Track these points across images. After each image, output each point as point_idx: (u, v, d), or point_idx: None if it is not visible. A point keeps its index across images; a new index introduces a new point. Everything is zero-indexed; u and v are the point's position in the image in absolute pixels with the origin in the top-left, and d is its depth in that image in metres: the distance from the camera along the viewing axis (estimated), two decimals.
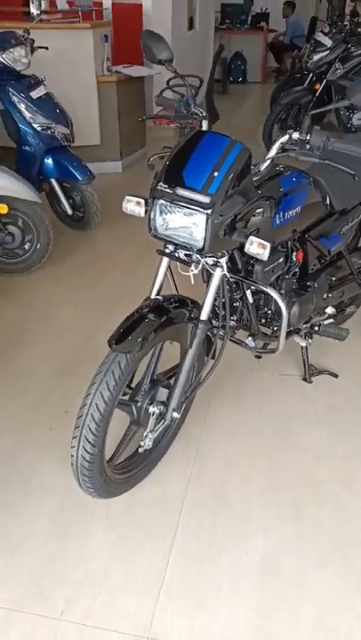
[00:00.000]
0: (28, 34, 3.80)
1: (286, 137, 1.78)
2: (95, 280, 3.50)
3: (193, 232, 1.64)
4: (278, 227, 1.91)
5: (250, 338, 2.16)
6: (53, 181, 3.82)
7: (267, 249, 1.67)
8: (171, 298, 1.89)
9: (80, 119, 5.05)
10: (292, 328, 2.29)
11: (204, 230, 1.62)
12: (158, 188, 1.65)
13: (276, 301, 2.00)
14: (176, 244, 1.71)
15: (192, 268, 1.82)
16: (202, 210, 1.60)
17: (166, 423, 1.90)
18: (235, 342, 2.20)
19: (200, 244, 1.64)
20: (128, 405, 1.86)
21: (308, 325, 2.39)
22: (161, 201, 1.65)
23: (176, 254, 1.79)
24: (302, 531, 1.88)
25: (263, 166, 1.83)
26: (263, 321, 2.23)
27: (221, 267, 1.79)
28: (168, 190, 1.64)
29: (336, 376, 2.59)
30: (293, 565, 1.77)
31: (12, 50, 3.58)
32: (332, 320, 2.52)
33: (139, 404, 1.86)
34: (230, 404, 2.46)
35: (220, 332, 1.95)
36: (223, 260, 1.79)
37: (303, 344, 2.39)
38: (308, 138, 1.73)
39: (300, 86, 5.63)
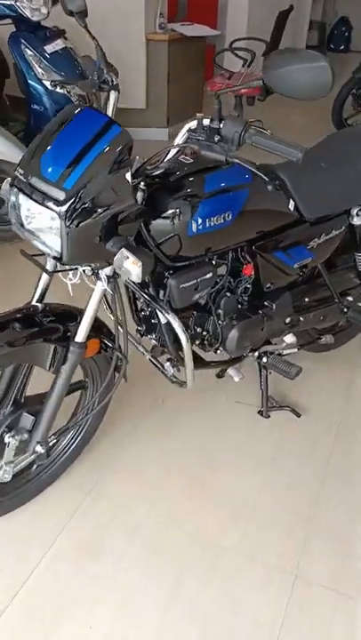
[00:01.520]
0: None
1: (195, 122, 1.36)
2: None
3: (48, 234, 1.29)
4: (196, 235, 1.51)
5: (168, 363, 1.79)
6: None
7: (138, 268, 1.29)
8: (55, 308, 1.56)
9: (125, 79, 4.69)
10: (231, 356, 1.89)
11: (59, 234, 1.27)
12: (16, 173, 1.32)
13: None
14: None
15: (70, 276, 1.48)
16: (54, 208, 1.24)
17: (32, 456, 1.60)
18: (155, 365, 1.84)
19: (57, 251, 1.30)
20: None
21: (256, 355, 1.97)
22: (15, 190, 1.31)
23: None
24: (167, 611, 1.53)
25: (168, 156, 1.42)
26: (198, 342, 1.85)
27: (102, 279, 1.44)
28: (23, 178, 1.29)
29: (298, 415, 2.15)
30: None
31: None
32: (294, 350, 2.07)
33: None
34: (162, 428, 2.11)
35: (118, 354, 1.61)
36: (104, 272, 1.43)
37: (236, 378, 1.97)
38: (220, 126, 1.30)
39: None
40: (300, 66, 1.19)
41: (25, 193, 1.28)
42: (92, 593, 1.57)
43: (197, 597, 1.57)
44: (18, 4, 3.24)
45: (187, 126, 1.39)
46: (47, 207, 1.25)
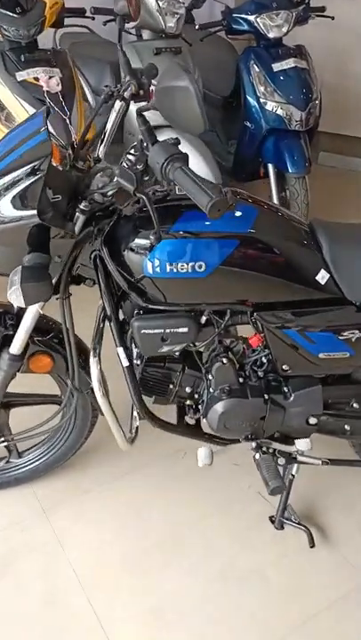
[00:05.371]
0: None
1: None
2: None
3: None
4: (155, 278, 1.28)
5: (135, 413, 1.56)
6: (270, 167, 3.36)
7: (18, 295, 1.14)
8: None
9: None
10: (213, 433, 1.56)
11: None
12: None
13: None
14: None
15: None
16: None
17: None
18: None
19: None
20: None
21: (253, 445, 1.56)
22: None
23: None
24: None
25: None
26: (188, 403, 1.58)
27: None
28: None
29: (312, 545, 1.65)
30: None
31: (272, 15, 3.17)
32: (316, 462, 1.59)
33: None
34: (160, 482, 1.87)
35: (69, 386, 1.49)
36: None
37: (200, 462, 1.56)
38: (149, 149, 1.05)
39: None
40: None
41: None
42: None
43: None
44: (258, 19, 3.19)
45: (131, 147, 1.15)
46: None
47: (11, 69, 2.71)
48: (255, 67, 3.24)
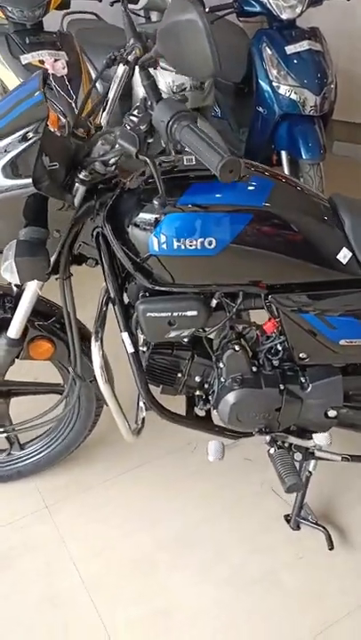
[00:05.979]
0: None
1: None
2: None
3: None
4: (161, 256, 1.18)
5: (142, 402, 1.46)
6: (283, 154, 3.25)
7: (12, 270, 1.05)
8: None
9: None
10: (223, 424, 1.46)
11: None
12: None
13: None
14: None
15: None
16: None
17: None
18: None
19: None
20: None
21: (267, 439, 1.45)
22: None
23: None
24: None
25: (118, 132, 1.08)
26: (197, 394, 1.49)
27: None
28: None
29: (331, 547, 1.55)
30: None
31: None
32: (336, 458, 1.48)
33: None
34: (169, 477, 1.77)
35: (71, 373, 1.40)
36: None
37: (211, 457, 1.46)
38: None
39: None
40: (171, 20, 0.76)
41: None
42: None
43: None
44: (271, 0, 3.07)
45: (134, 107, 1.05)
46: None
47: (15, 52, 2.63)
48: (268, 49, 3.12)
